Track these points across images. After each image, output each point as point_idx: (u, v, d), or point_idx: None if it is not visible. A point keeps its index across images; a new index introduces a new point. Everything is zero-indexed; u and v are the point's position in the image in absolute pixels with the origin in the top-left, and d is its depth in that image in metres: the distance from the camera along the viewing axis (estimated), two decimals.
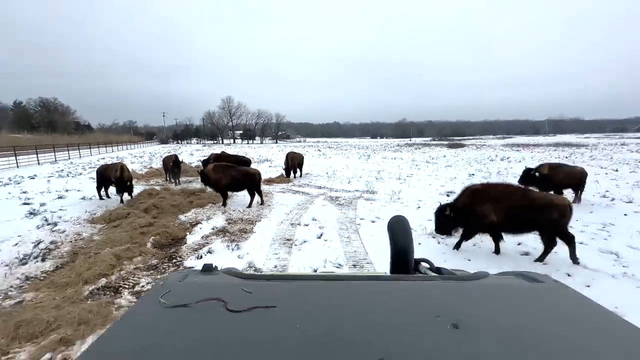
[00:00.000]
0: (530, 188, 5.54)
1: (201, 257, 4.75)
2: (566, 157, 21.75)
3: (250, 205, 8.18)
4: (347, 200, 8.83)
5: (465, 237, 4.98)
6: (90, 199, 8.99)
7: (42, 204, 8.01)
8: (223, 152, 15.01)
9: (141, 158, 25.87)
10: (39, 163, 19.20)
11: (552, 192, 6.94)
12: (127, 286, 3.88)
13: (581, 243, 4.94)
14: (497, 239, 4.81)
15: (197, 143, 74.86)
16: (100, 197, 8.95)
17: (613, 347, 0.59)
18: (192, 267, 4.37)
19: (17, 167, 17.46)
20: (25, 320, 2.98)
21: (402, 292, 0.84)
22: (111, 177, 8.42)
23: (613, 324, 0.67)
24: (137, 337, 0.63)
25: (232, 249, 5.04)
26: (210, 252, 4.91)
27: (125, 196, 8.62)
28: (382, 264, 4.31)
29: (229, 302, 0.72)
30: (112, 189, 8.86)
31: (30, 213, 7.15)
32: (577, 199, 8.12)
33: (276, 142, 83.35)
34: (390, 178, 13.26)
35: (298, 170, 14.11)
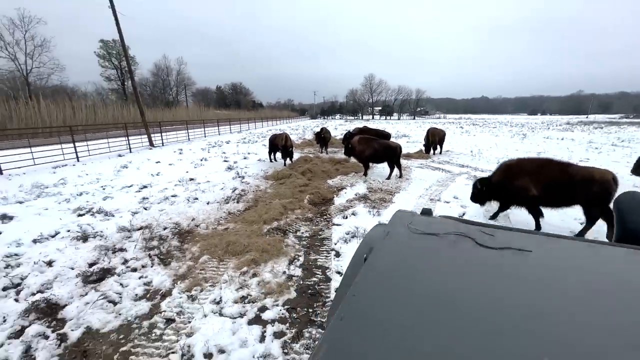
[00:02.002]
0: (571, 162, 4.73)
1: (347, 217, 5.31)
2: None
3: (389, 177, 8.36)
4: None
5: (501, 209, 5.18)
6: (264, 161, 11.32)
7: (235, 162, 10.70)
8: (365, 126, 15.56)
9: (296, 130, 29.98)
10: (230, 132, 25.37)
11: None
12: (291, 230, 4.83)
13: None
14: (536, 215, 4.70)
15: (340, 118, 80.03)
16: (270, 160, 11.14)
17: None
18: (339, 224, 4.96)
19: (219, 134, 23.67)
20: (232, 242, 4.22)
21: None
22: (278, 145, 10.29)
23: None
24: (402, 250, 0.81)
25: (374, 215, 5.37)
26: (354, 215, 5.41)
27: (288, 160, 10.42)
28: None
29: (477, 239, 0.81)
30: (278, 154, 10.82)
31: (229, 168, 9.69)
32: None
33: (414, 119, 79.39)
34: None
35: (438, 147, 13.18)
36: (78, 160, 11.07)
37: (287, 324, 2.73)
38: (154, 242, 4.22)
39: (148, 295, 3.15)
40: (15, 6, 34.84)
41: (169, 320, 2.77)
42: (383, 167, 9.16)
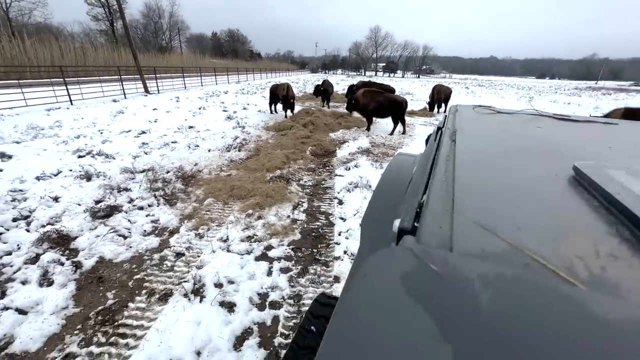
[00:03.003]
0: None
1: (349, 169, 5.32)
2: None
3: (392, 133, 8.25)
4: None
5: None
6: (264, 112, 11.03)
7: (234, 112, 10.42)
8: (370, 80, 15.00)
9: (297, 84, 28.86)
10: (228, 82, 24.36)
11: None
12: (294, 179, 4.85)
13: None
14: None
15: (342, 74, 76.85)
16: (271, 112, 10.84)
17: None
18: (341, 175, 4.99)
19: (216, 84, 22.76)
20: (236, 186, 4.25)
21: None
22: (279, 95, 9.93)
23: None
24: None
25: (376, 167, 5.39)
26: (357, 167, 5.41)
27: (289, 112, 10.14)
28: None
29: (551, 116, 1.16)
30: (279, 106, 10.51)
31: (228, 117, 9.46)
32: None
33: (418, 77, 76.71)
34: None
35: (443, 105, 12.85)
36: (72, 104, 10.68)
37: (293, 262, 2.85)
38: (158, 183, 4.24)
39: (156, 232, 3.23)
40: None
41: (179, 254, 2.88)
42: (387, 123, 9.00)
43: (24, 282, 2.38)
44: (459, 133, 0.94)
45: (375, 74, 79.45)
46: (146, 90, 15.23)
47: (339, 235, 3.28)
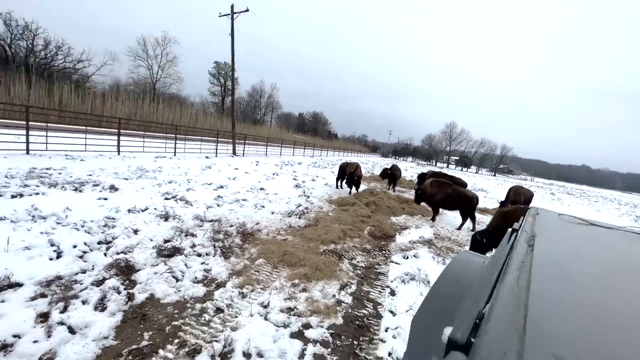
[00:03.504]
0: None
1: (407, 257, 4.95)
2: None
3: (459, 228, 7.66)
4: None
5: None
6: (330, 186, 11.50)
7: (303, 182, 11.10)
8: (441, 171, 14.82)
9: (365, 164, 30.07)
10: (304, 155, 26.68)
11: None
12: (347, 257, 4.68)
13: None
14: None
15: (412, 161, 78.14)
16: (337, 186, 11.25)
17: None
18: (398, 263, 4.65)
19: (293, 155, 25.10)
20: (288, 252, 4.26)
21: None
22: (347, 172, 10.38)
23: None
24: None
25: (437, 262, 4.91)
26: (416, 257, 5.01)
27: (354, 189, 10.39)
28: None
29: None
30: (345, 183, 10.88)
31: (296, 186, 10.07)
32: None
33: (494, 175, 73.06)
34: None
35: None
36: (175, 155, 12.78)
37: (329, 349, 2.56)
38: (220, 235, 4.50)
39: (205, 281, 3.31)
40: (162, 29, 43.53)
41: (219, 310, 2.85)
42: (454, 216, 8.47)
43: (84, 302, 2.58)
44: (538, 238, 0.81)
45: (447, 166, 78.62)
46: (234, 152, 17.54)
47: (386, 331, 2.90)
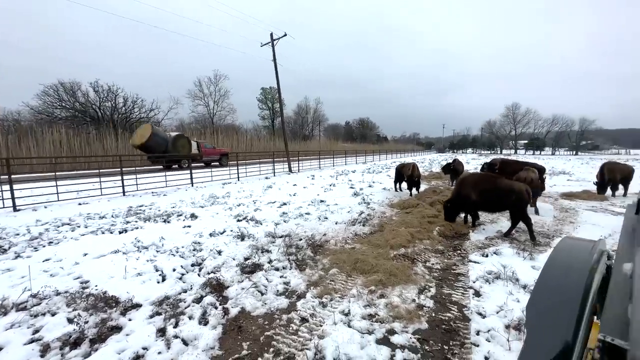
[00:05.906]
0: None
1: (487, 255, 4.61)
2: None
3: (507, 234, 5.72)
4: None
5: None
6: (389, 190, 11.29)
7: (360, 189, 11.09)
8: (508, 159, 13.53)
9: (422, 163, 28.82)
10: (356, 163, 26.67)
11: None
12: (419, 260, 4.53)
13: None
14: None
15: (473, 152, 72.50)
16: (396, 190, 11.00)
17: None
18: (477, 262, 4.36)
19: (346, 164, 25.27)
20: (359, 260, 4.29)
21: None
22: (405, 174, 10.11)
23: None
24: None
25: (524, 258, 4.47)
26: (497, 254, 4.64)
27: (414, 191, 10.04)
28: None
29: None
30: (404, 184, 10.60)
31: (355, 194, 10.10)
32: None
33: (575, 154, 63.75)
34: None
35: (621, 186, 10.02)
36: (238, 179, 13.84)
37: (419, 355, 2.50)
38: (292, 249, 4.74)
39: (287, 294, 3.51)
40: (213, 68, 48.22)
41: (304, 319, 2.99)
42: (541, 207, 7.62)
43: (190, 317, 2.94)
44: None
45: (515, 152, 71.04)
46: (290, 170, 18.32)
47: (477, 334, 2.73)
